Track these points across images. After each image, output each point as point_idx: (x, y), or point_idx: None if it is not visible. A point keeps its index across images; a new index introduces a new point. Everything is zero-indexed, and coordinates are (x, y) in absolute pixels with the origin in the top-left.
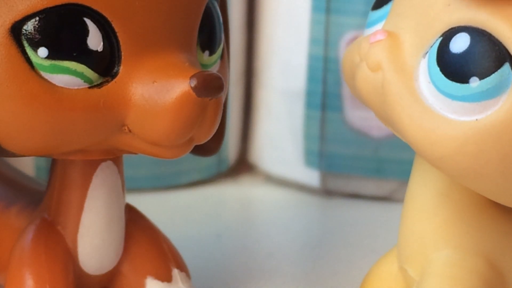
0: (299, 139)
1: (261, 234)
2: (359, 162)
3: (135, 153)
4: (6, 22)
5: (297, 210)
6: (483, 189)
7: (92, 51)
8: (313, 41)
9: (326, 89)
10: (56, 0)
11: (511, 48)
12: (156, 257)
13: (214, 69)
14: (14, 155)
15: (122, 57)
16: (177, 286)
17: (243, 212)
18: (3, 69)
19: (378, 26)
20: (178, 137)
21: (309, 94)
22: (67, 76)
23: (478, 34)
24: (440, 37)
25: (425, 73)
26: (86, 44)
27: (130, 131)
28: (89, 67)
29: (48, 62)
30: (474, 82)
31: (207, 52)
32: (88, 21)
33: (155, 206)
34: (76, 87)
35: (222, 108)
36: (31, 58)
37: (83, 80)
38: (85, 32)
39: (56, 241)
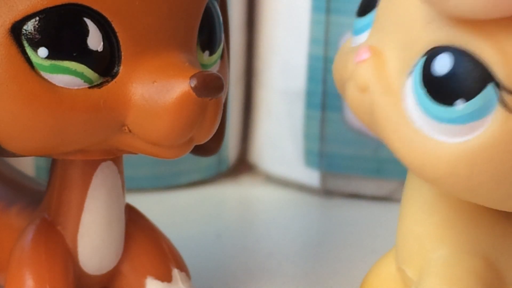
0: (299, 139)
1: (261, 234)
2: (359, 162)
3: (135, 153)
4: (6, 22)
5: (297, 210)
6: (481, 202)
7: (92, 51)
8: (313, 41)
9: (326, 89)
10: (56, 0)
11: (494, 68)
12: (156, 257)
13: (214, 69)
14: (14, 155)
15: (122, 57)
16: (177, 286)
17: (243, 212)
18: (3, 69)
19: (364, 35)
20: (178, 137)
21: (309, 94)
22: (67, 76)
23: (460, 54)
24: (423, 56)
25: (411, 94)
26: (86, 44)
27: (130, 131)
28: (89, 67)
29: (48, 62)
30: (460, 104)
31: (207, 52)
32: (88, 21)
33: (155, 206)
34: (76, 87)
35: (222, 108)
36: (31, 58)
37: (83, 80)
38: (85, 32)
39: (56, 241)
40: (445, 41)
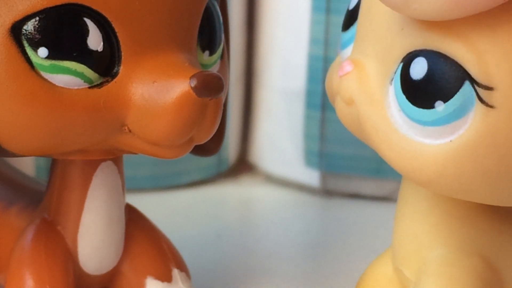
0: (299, 139)
1: (261, 234)
2: (359, 162)
3: (135, 153)
4: (6, 22)
5: (297, 210)
6: (475, 199)
7: (92, 51)
8: (313, 41)
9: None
10: (56, 0)
11: (468, 66)
12: (156, 257)
13: (214, 69)
14: (14, 155)
15: (122, 57)
16: (177, 286)
17: (243, 212)
18: (3, 69)
19: (349, 49)
20: (178, 137)
21: (309, 94)
22: (67, 76)
23: (434, 57)
24: (400, 62)
25: (394, 101)
26: (86, 44)
27: (130, 131)
28: (89, 67)
29: (48, 62)
30: (439, 106)
31: (207, 52)
32: (88, 21)
33: (155, 206)
34: (76, 87)
35: (222, 108)
36: (31, 58)
37: (83, 80)
38: (85, 32)
39: (56, 241)
40: (418, 45)
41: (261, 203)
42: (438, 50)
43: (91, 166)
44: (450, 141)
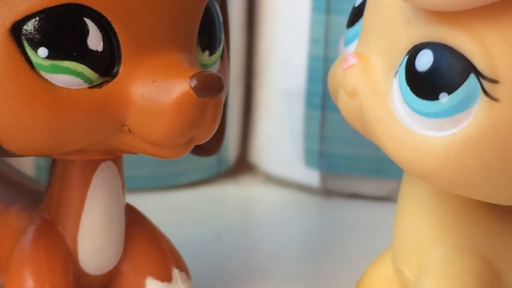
0: (299, 139)
1: (261, 234)
2: (359, 162)
3: (135, 153)
4: (6, 22)
5: (297, 210)
6: (475, 196)
7: (92, 51)
8: (313, 41)
9: (326, 89)
10: (56, 0)
11: (474, 59)
12: (156, 257)
13: (214, 69)
14: (14, 155)
15: (122, 57)
16: (177, 286)
17: (243, 212)
18: (3, 69)
19: (354, 45)
20: (178, 137)
21: (309, 94)
22: (67, 76)
23: (440, 49)
24: (406, 55)
25: (398, 93)
26: (86, 44)
27: (130, 131)
28: (89, 67)
29: (48, 62)
30: (444, 97)
31: (207, 52)
32: (88, 21)
33: (155, 206)
34: (76, 87)
35: (222, 108)
36: (31, 58)
37: (83, 80)
38: (85, 32)
39: (56, 241)
40: (425, 37)
41: (261, 203)
42: (444, 42)
43: (91, 166)
44: (453, 133)
